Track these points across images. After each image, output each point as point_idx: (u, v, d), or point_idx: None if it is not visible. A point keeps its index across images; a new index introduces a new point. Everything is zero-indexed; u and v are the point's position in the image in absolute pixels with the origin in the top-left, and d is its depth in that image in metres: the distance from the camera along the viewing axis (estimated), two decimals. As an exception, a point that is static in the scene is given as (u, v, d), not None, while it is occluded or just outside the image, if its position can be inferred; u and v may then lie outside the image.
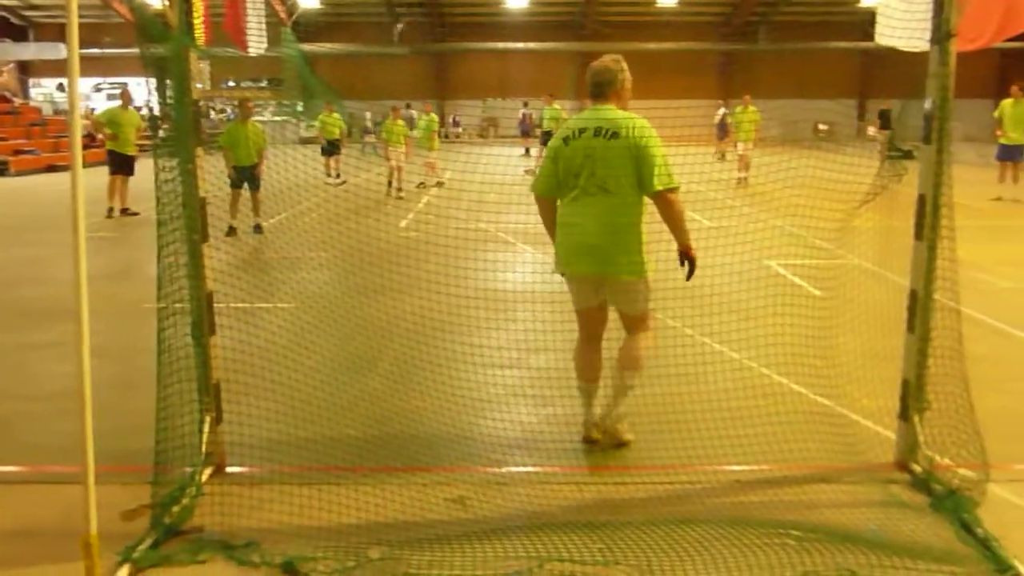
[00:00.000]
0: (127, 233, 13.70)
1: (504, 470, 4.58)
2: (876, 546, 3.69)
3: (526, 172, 17.97)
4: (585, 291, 4.75)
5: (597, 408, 4.86)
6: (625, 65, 4.73)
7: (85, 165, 3.32)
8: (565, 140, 4.62)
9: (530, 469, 4.61)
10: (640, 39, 39.92)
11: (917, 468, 4.39)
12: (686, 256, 4.61)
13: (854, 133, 36.93)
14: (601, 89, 4.66)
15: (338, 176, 20.02)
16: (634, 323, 4.79)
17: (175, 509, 3.93)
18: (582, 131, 4.57)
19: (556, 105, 22.51)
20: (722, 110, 29.05)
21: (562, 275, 4.81)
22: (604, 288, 4.72)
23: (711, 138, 26.05)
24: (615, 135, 4.49)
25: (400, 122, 19.26)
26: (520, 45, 40.44)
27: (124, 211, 15.16)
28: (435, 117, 21.45)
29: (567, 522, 3.95)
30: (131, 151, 15.50)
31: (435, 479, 4.42)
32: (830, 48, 39.51)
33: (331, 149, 19.87)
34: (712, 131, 27.11)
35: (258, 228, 12.93)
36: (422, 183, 19.21)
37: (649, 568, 3.54)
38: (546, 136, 21.79)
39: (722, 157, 23.01)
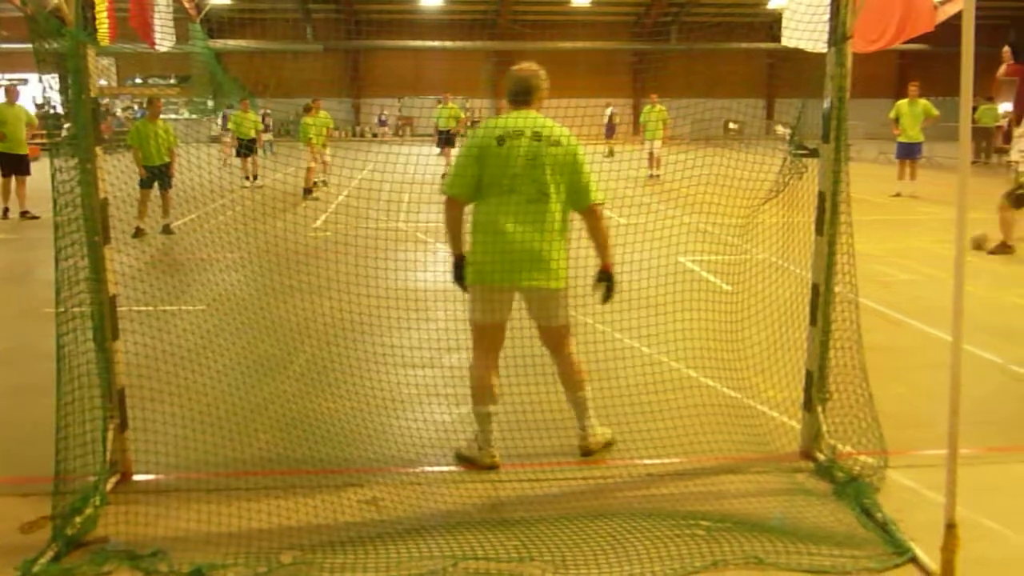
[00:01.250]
0: (24, 235, 13.20)
1: (418, 470, 4.57)
2: (781, 533, 3.80)
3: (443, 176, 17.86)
4: (500, 303, 4.51)
5: (495, 430, 4.65)
6: (545, 73, 4.66)
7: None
8: (499, 140, 4.39)
9: (444, 469, 4.60)
10: (554, 38, 40.21)
11: (820, 456, 4.54)
12: (607, 274, 4.58)
13: (762, 131, 37.87)
14: (527, 96, 4.54)
15: (255, 178, 19.58)
16: (559, 335, 4.65)
17: (78, 520, 3.81)
18: (518, 133, 4.40)
19: (453, 104, 22.39)
20: (610, 109, 29.80)
21: (478, 285, 4.50)
22: (528, 300, 4.56)
23: (627, 136, 26.61)
24: (557, 143, 4.43)
25: (323, 113, 18.68)
26: (435, 43, 40.30)
27: (23, 214, 14.50)
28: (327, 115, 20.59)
29: (481, 520, 3.97)
30: (22, 150, 14.76)
31: (348, 481, 4.38)
32: (738, 48, 40.47)
33: (247, 150, 19.37)
34: (601, 129, 27.86)
35: (167, 229, 12.56)
36: (323, 181, 18.50)
37: (563, 563, 3.58)
38: (443, 135, 21.63)
39: (610, 154, 23.36)
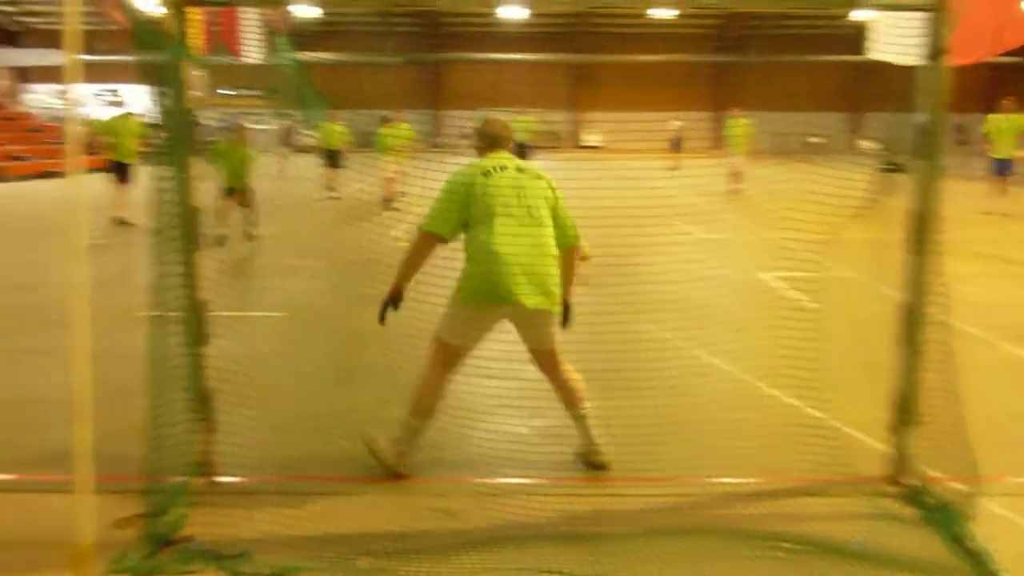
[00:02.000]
0: (121, 240, 13.66)
1: (493, 481, 4.58)
2: (865, 559, 3.70)
3: None
4: (484, 326, 4.57)
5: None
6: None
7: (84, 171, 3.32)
8: (485, 173, 4.52)
9: (519, 480, 4.60)
10: (632, 51, 40.14)
11: (908, 481, 4.40)
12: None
13: (845, 146, 37.16)
14: (502, 142, 4.75)
15: (333, 189, 19.54)
16: (551, 356, 4.69)
17: (166, 519, 3.92)
18: (502, 167, 4.56)
19: (529, 116, 22.44)
20: (677, 123, 29.49)
21: (471, 304, 4.51)
22: (521, 322, 4.56)
23: (705, 150, 26.29)
24: (539, 176, 4.61)
25: (405, 125, 18.76)
26: (514, 56, 40.55)
27: (120, 220, 15.01)
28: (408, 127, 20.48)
29: (556, 534, 3.96)
30: (130, 159, 15.33)
31: (424, 490, 4.42)
32: (821, 61, 39.73)
33: (331, 160, 19.38)
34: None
35: (250, 236, 12.87)
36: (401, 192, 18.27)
37: (640, 580, 3.55)
38: (520, 148, 21.51)
39: (676, 167, 23.05)
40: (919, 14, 4.25)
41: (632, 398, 4.81)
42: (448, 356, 4.59)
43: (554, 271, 4.49)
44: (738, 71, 41.79)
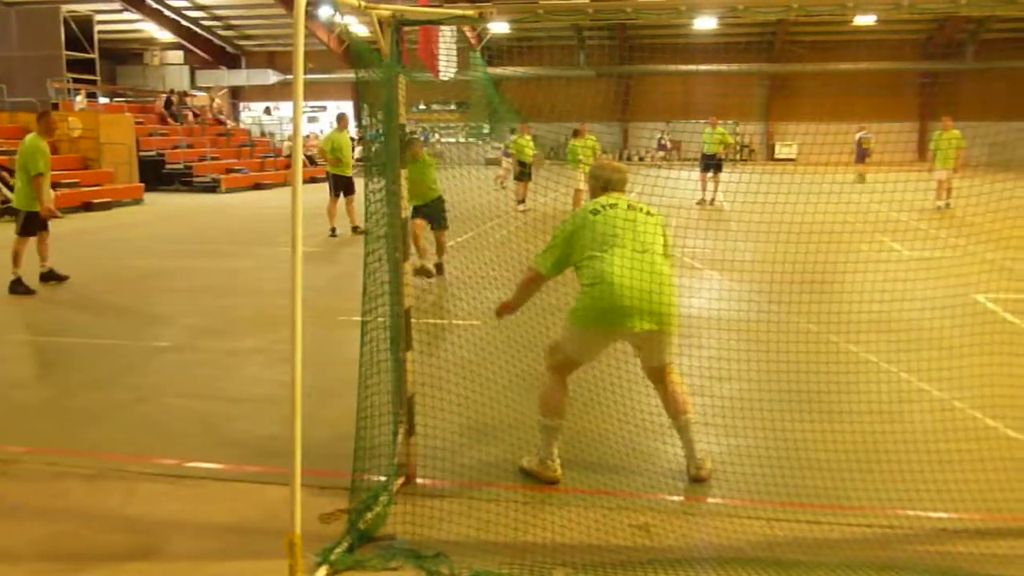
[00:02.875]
0: (331, 250, 14.46)
1: (690, 499, 4.50)
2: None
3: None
4: (600, 344, 4.76)
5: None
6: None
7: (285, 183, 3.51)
8: (593, 212, 4.72)
9: (716, 500, 4.50)
10: (833, 59, 38.54)
11: None
12: None
13: (1072, 158, 34.13)
14: (616, 184, 4.91)
15: (523, 202, 19.52)
16: (663, 371, 4.78)
17: (369, 516, 4.08)
18: (612, 205, 4.73)
19: (720, 128, 21.70)
20: (860, 133, 27.87)
21: (589, 328, 4.65)
22: (634, 342, 4.70)
23: (912, 162, 24.92)
24: (650, 213, 4.76)
25: (591, 138, 18.92)
26: (706, 67, 39.88)
27: (355, 229, 15.46)
28: (594, 139, 20.45)
29: (755, 558, 3.83)
30: (350, 172, 16.09)
31: (619, 503, 4.39)
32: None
33: (524, 173, 19.49)
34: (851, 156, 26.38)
35: (440, 268, 11.20)
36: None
37: (845, 613, 3.38)
38: (709, 160, 20.94)
39: (860, 180, 21.70)
40: None
41: (836, 422, 4.60)
42: (569, 367, 4.81)
43: (667, 294, 4.56)
44: (949, 78, 39.26)
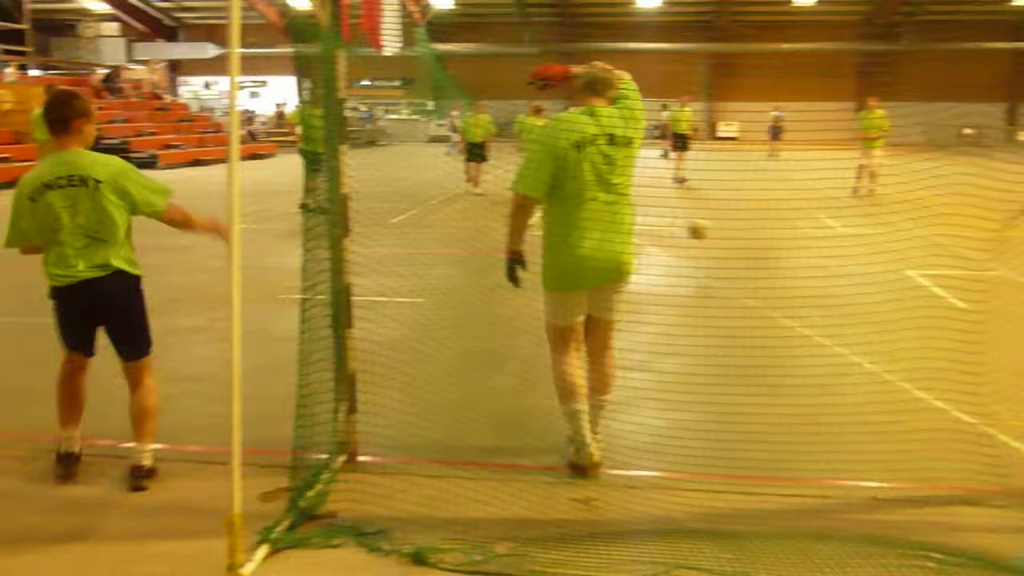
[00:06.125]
0: (272, 226, 14.24)
1: (631, 473, 4.55)
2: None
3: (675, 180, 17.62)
4: (581, 303, 4.55)
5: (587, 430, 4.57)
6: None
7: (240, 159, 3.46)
8: (577, 146, 4.34)
9: (657, 473, 4.56)
10: (774, 39, 38.98)
11: (1074, 496, 4.14)
12: None
13: (1004, 138, 35.07)
14: (604, 88, 4.53)
15: (477, 185, 18.73)
16: (608, 331, 4.67)
17: (310, 494, 4.07)
18: (594, 137, 4.38)
19: (686, 108, 21.94)
20: (775, 112, 29.62)
21: (559, 292, 4.52)
22: (596, 292, 4.53)
23: (849, 141, 25.34)
24: (629, 143, 4.45)
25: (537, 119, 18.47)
26: (652, 45, 40.03)
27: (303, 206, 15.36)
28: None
29: (695, 530, 3.91)
30: (321, 148, 15.83)
31: (562, 479, 4.44)
32: (979, 49, 37.57)
33: (474, 154, 18.49)
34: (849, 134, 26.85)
35: None
36: None
37: (782, 582, 3.46)
38: (678, 139, 21.18)
39: (772, 156, 22.21)
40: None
41: (773, 395, 4.69)
42: (561, 337, 4.60)
43: (630, 244, 4.47)
44: (886, 60, 40.00)
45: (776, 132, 29.42)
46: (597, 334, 4.68)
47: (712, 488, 4.36)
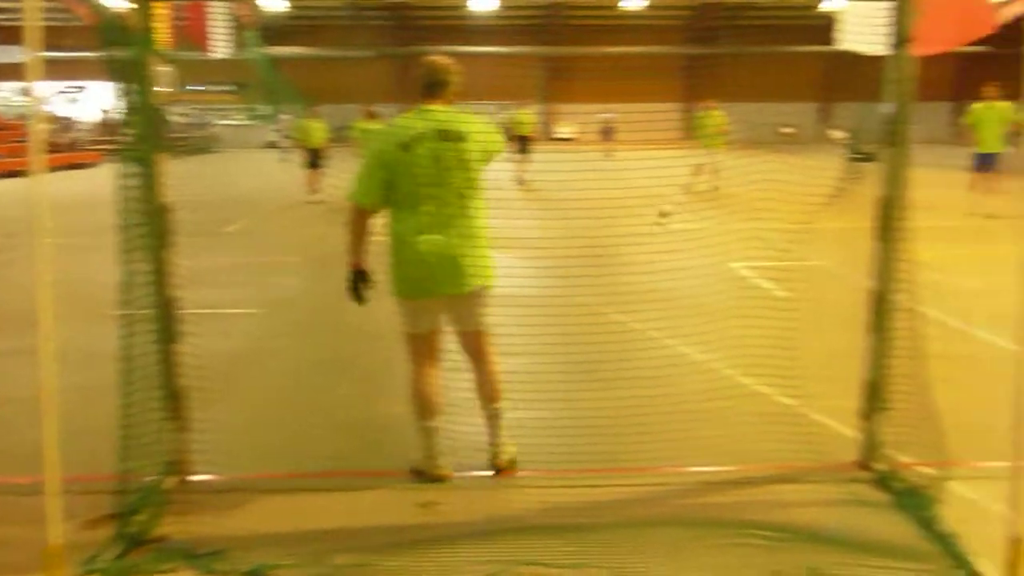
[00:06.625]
0: (82, 241, 13.47)
1: (473, 474, 4.58)
2: (839, 544, 3.75)
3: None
4: (433, 311, 4.40)
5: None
6: (459, 69, 4.49)
7: (49, 170, 3.28)
8: (404, 147, 4.20)
9: (499, 473, 4.61)
10: (604, 42, 40.19)
11: (879, 467, 4.46)
12: None
13: (817, 136, 37.39)
14: (440, 89, 4.36)
15: (315, 193, 18.01)
16: (480, 341, 4.51)
17: (139, 518, 3.89)
18: (422, 136, 4.22)
19: (526, 111, 22.32)
20: (605, 115, 31.44)
21: (406, 301, 4.38)
22: (450, 304, 4.41)
23: (679, 141, 26.45)
24: (461, 138, 4.25)
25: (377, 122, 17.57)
26: (488, 49, 40.44)
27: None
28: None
29: (536, 525, 3.97)
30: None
31: (404, 484, 4.41)
32: (792, 52, 39.96)
33: (314, 161, 17.81)
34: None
35: None
36: None
37: (621, 570, 3.57)
38: (522, 141, 21.27)
39: (606, 157, 23.31)
40: (884, 4, 4.29)
41: (608, 389, 4.83)
42: (418, 346, 4.47)
43: (477, 248, 4.30)
44: (709, 62, 42.01)
45: (608, 133, 30.53)
46: (468, 345, 4.55)
47: (553, 484, 4.45)
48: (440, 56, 4.50)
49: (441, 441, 4.51)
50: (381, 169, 4.24)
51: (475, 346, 4.52)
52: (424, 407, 4.45)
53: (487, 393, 4.56)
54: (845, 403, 4.88)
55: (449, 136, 4.25)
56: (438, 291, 4.31)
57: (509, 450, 4.63)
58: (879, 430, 4.49)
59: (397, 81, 42.14)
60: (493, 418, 4.56)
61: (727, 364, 5.89)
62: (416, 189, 4.22)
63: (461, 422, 4.98)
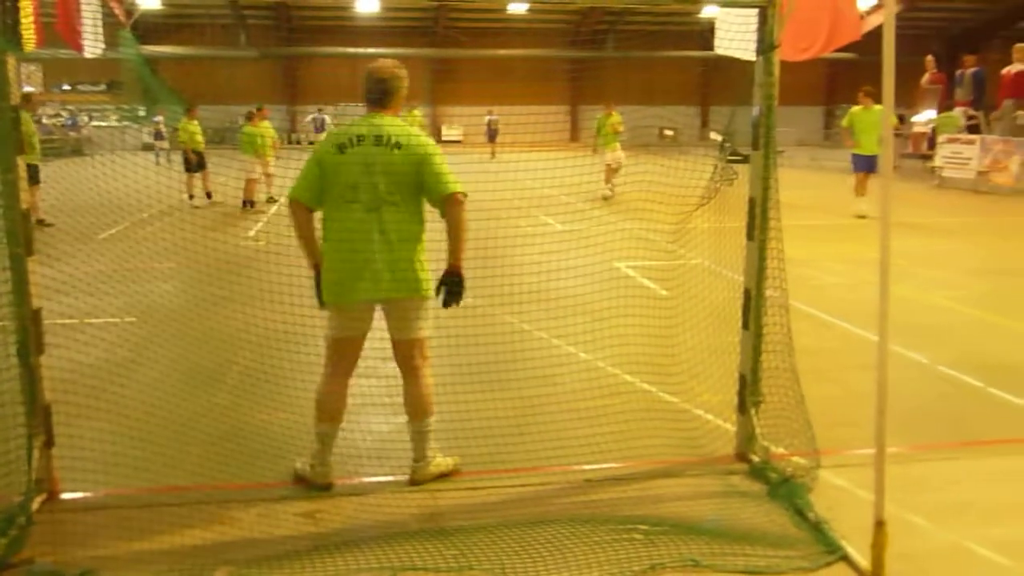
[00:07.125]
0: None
1: (355, 481, 4.52)
2: (717, 535, 3.86)
3: None
4: (359, 317, 4.34)
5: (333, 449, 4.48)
6: (405, 73, 4.44)
7: None
8: (340, 148, 4.23)
9: (382, 479, 4.56)
10: (491, 45, 40.37)
11: (754, 458, 4.62)
12: (453, 276, 4.29)
13: (697, 138, 38.42)
14: (385, 97, 4.36)
15: (208, 196, 17.69)
16: (412, 351, 4.43)
17: (3, 541, 3.69)
18: (360, 139, 4.24)
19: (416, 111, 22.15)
20: (490, 116, 31.97)
21: (331, 304, 4.33)
22: (384, 312, 4.40)
23: (565, 143, 26.75)
24: (398, 145, 4.23)
25: (265, 123, 17.33)
26: (373, 50, 40.04)
27: (40, 222, 12.48)
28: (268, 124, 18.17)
29: (420, 530, 3.95)
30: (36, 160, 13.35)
31: (284, 494, 4.31)
32: (673, 56, 40.96)
33: (193, 164, 17.37)
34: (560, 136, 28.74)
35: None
36: (270, 197, 17.43)
37: (503, 571, 3.58)
38: None
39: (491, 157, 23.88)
40: (752, 11, 4.45)
41: (496, 390, 4.85)
42: (334, 351, 4.40)
43: (407, 257, 4.26)
44: (593, 66, 42.73)
45: (492, 135, 30.92)
46: (398, 355, 4.47)
47: (436, 487, 4.43)
48: (387, 62, 4.45)
49: (328, 448, 4.45)
50: (316, 167, 4.28)
51: (405, 357, 4.45)
52: (325, 412, 4.39)
53: (415, 408, 4.49)
54: (724, 397, 5.04)
55: (384, 142, 4.24)
56: (358, 295, 4.26)
57: (442, 461, 4.56)
58: (754, 423, 4.64)
59: (281, 82, 41.43)
60: (421, 434, 4.49)
61: (612, 363, 5.98)
62: (344, 191, 4.23)
63: (347, 428, 4.92)
